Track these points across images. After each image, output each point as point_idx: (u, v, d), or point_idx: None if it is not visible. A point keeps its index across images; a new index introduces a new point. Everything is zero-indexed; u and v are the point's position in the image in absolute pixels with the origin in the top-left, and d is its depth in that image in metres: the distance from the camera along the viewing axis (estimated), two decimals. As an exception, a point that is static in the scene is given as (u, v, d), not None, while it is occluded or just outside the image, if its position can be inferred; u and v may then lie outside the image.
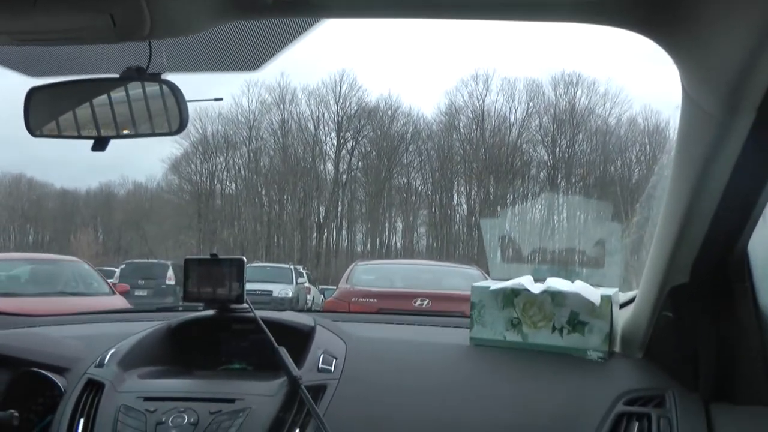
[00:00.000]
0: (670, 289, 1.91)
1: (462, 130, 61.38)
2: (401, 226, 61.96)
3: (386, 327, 2.62)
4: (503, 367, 2.18)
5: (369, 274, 11.33)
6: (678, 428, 1.84)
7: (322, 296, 26.83)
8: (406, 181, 61.96)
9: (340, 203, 61.15)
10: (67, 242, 53.10)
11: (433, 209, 61.33)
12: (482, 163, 59.83)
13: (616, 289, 2.27)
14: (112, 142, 1.83)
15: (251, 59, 1.94)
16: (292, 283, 24.84)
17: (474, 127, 60.82)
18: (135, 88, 1.78)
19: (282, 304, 20.82)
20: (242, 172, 59.40)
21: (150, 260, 28.71)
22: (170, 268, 24.66)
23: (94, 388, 2.16)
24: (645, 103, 60.63)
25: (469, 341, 2.29)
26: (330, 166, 60.78)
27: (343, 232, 61.55)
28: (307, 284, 27.91)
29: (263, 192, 58.32)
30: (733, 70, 1.32)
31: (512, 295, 2.24)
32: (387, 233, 61.88)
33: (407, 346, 2.32)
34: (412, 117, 60.66)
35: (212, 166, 56.97)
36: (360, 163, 61.76)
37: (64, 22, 1.36)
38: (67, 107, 1.83)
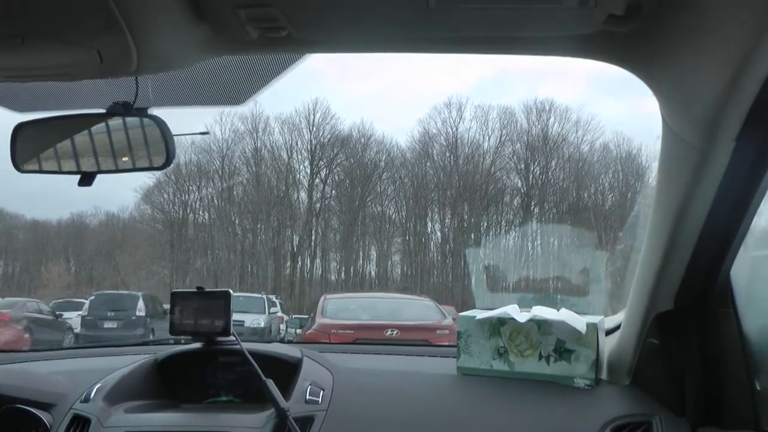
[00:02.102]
0: (655, 316, 1.94)
1: (436, 157, 61.67)
2: (375, 255, 61.90)
3: (373, 357, 2.62)
4: (491, 397, 2.19)
5: (341, 307, 11.90)
6: None
7: (297, 328, 27.00)
8: (380, 209, 62.04)
9: (313, 232, 61.01)
10: (38, 273, 52.51)
11: (408, 237, 61.33)
12: (456, 190, 60.04)
13: (602, 317, 2.29)
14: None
15: (236, 94, 1.96)
16: (265, 312, 24.64)
17: (448, 154, 61.13)
18: (122, 124, 1.78)
19: (254, 334, 20.78)
20: (215, 201, 59.17)
21: (120, 291, 28.17)
22: (140, 299, 24.21)
23: (80, 423, 2.14)
24: (617, 130, 61.15)
25: (457, 371, 2.30)
26: (303, 195, 60.73)
27: (317, 260, 61.38)
28: (280, 313, 27.77)
29: (236, 221, 58.08)
30: (711, 101, 1.35)
31: (498, 324, 2.26)
32: (361, 261, 61.82)
33: (394, 376, 2.32)
34: (386, 145, 60.88)
35: (185, 196, 56.65)
36: (334, 192, 61.75)
37: (51, 59, 1.38)
38: (54, 142, 1.83)
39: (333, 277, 61.12)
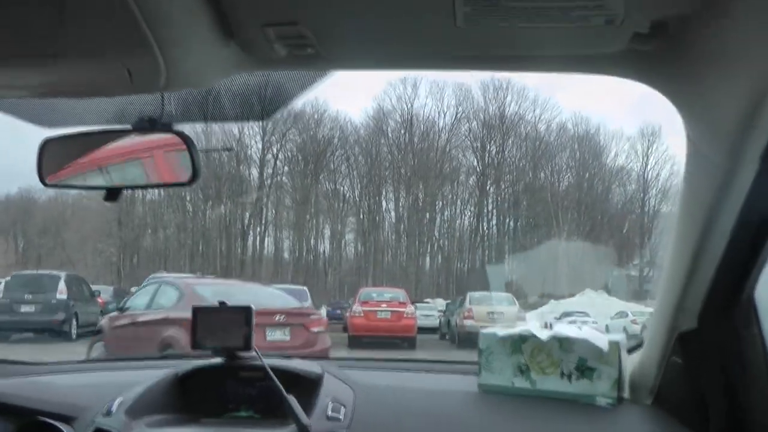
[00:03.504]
0: (679, 335, 1.96)
1: (390, 134, 61.89)
2: (329, 233, 62.00)
3: (394, 374, 2.61)
4: (512, 414, 2.20)
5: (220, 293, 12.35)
6: None
7: None
8: (333, 186, 62.06)
9: (265, 209, 60.84)
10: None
11: (361, 216, 61.51)
12: (411, 168, 60.30)
13: (624, 335, 2.31)
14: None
15: (261, 109, 1.95)
16: None
17: (402, 131, 61.35)
18: (148, 139, 1.77)
19: None
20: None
21: (39, 272, 25.07)
22: (61, 280, 21.92)
23: None
24: (575, 110, 61.72)
25: (478, 388, 2.30)
26: (255, 172, 60.44)
27: (269, 239, 61.26)
28: None
29: (187, 198, 57.62)
30: (736, 120, 1.37)
31: (520, 341, 2.27)
32: (314, 240, 61.81)
33: (415, 393, 2.33)
34: (339, 121, 60.88)
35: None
36: (286, 168, 61.62)
37: (82, 77, 1.38)
38: (80, 157, 1.83)
39: (286, 256, 61.08)
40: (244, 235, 59.44)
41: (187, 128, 1.77)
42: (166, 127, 1.71)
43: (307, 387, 2.26)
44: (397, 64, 1.68)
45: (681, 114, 1.58)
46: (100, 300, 24.50)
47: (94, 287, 25.56)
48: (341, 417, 2.14)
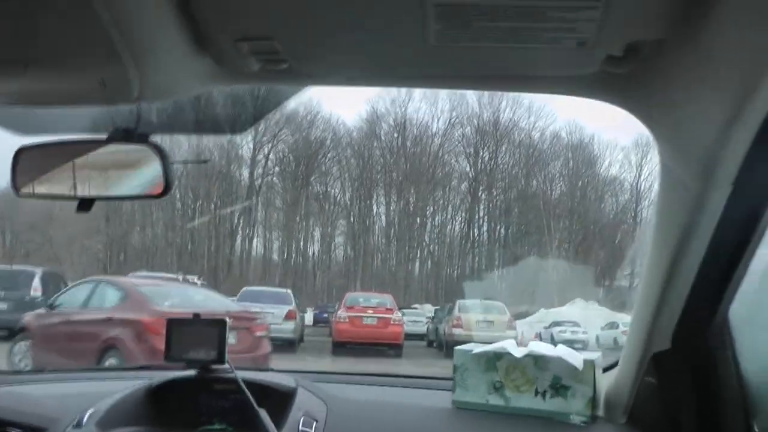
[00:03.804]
0: (653, 355, 1.97)
1: (383, 138, 61.85)
2: (319, 236, 61.94)
3: (367, 389, 2.62)
4: (486, 431, 2.22)
5: (166, 294, 12.36)
6: None
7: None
8: (324, 189, 62.01)
9: (254, 210, 60.76)
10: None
11: (352, 219, 61.47)
12: (403, 172, 60.29)
13: (599, 353, 2.32)
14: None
15: (237, 122, 1.97)
16: None
17: (395, 135, 61.37)
18: (122, 150, 1.77)
19: None
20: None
21: (13, 267, 23.71)
22: (37, 276, 20.67)
23: None
24: (569, 118, 61.85)
25: (452, 404, 2.31)
26: (246, 172, 60.35)
27: (258, 240, 61.16)
28: None
29: (177, 196, 57.46)
30: (708, 144, 1.39)
31: (495, 358, 2.28)
32: (302, 243, 61.74)
33: (389, 408, 2.34)
34: (332, 123, 60.77)
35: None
36: (277, 168, 61.53)
37: (54, 86, 1.39)
38: (54, 167, 1.82)
39: (275, 257, 61.00)
40: (233, 235, 59.33)
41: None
42: (142, 138, 1.71)
43: (280, 400, 2.27)
44: (371, 80, 1.70)
45: (654, 136, 1.60)
46: None
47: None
48: (312, 431, 2.15)
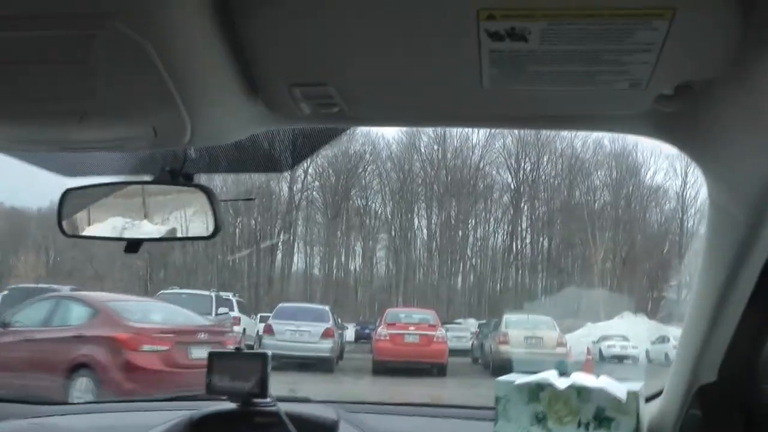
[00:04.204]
0: (698, 388, 1.97)
1: (423, 150, 61.69)
2: (360, 251, 61.93)
3: (408, 419, 2.65)
4: None
5: (146, 309, 12.63)
6: None
7: (258, 328, 25.31)
8: (364, 202, 62.03)
9: (295, 225, 60.93)
10: (12, 263, 52.07)
11: (393, 233, 61.39)
12: (444, 185, 60.09)
13: (642, 383, 2.32)
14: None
15: (283, 162, 2.00)
16: (211, 313, 21.51)
17: (436, 147, 61.17)
18: (168, 191, 1.81)
19: None
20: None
21: (38, 285, 24.20)
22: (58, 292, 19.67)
23: None
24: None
25: None
26: (285, 187, 60.61)
27: (299, 255, 61.32)
28: (235, 314, 25.67)
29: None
30: (758, 180, 1.40)
31: (537, 389, 2.29)
32: (343, 258, 61.77)
33: None
34: (372, 136, 60.78)
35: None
36: (316, 183, 61.70)
37: (107, 134, 1.42)
38: (101, 208, 1.87)
39: (316, 272, 61.07)
40: (273, 251, 59.52)
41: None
42: (188, 179, 1.75)
43: None
44: (421, 121, 1.74)
45: (703, 172, 1.62)
46: None
47: None
48: None
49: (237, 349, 2.44)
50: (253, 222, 59.60)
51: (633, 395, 2.21)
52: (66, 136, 1.45)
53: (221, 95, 1.34)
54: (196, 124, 1.34)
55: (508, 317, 24.79)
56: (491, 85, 1.34)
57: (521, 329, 22.97)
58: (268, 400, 2.36)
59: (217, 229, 1.78)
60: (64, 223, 1.88)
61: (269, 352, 2.40)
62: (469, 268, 61.08)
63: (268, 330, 21.38)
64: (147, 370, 10.26)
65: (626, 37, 1.16)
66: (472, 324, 36.04)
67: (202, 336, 11.57)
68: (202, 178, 1.81)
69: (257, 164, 2.03)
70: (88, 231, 1.92)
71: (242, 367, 2.39)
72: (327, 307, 23.84)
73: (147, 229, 1.86)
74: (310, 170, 60.78)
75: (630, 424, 2.19)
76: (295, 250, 61.08)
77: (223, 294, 26.88)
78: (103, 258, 50.02)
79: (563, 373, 2.34)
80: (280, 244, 59.82)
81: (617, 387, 2.23)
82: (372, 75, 1.35)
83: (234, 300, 27.14)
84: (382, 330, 21.75)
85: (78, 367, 10.32)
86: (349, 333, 34.57)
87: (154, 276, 52.68)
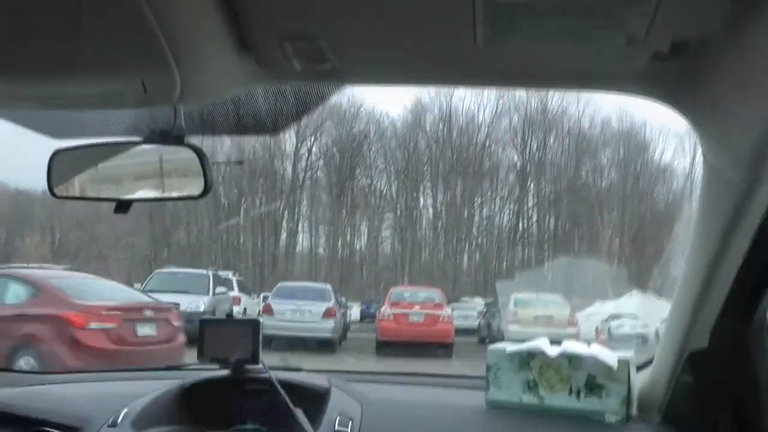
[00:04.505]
0: (689, 354, 1.99)
1: (428, 129, 61.50)
2: (366, 230, 61.90)
3: (401, 388, 2.68)
4: (520, 430, 2.26)
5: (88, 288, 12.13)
6: None
7: (260, 308, 24.26)
8: (369, 182, 61.95)
9: (299, 204, 60.90)
10: (17, 245, 52.17)
11: (398, 212, 61.35)
12: (449, 164, 59.94)
13: (632, 352, 2.35)
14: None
15: (273, 123, 2.00)
16: (208, 293, 20.98)
17: (441, 126, 60.98)
18: (159, 151, 1.82)
19: (191, 320, 16.68)
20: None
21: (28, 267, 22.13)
22: None
23: None
24: (620, 104, 60.83)
25: (486, 403, 2.36)
26: (289, 166, 60.54)
27: (304, 235, 61.32)
28: (234, 293, 24.93)
29: (222, 192, 57.82)
30: (753, 141, 1.41)
31: (528, 357, 2.32)
32: (349, 237, 61.79)
33: (423, 408, 2.38)
34: (376, 115, 60.64)
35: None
36: (321, 162, 61.61)
37: (96, 90, 1.42)
38: (91, 169, 1.88)
39: (321, 251, 61.08)
40: (277, 231, 59.52)
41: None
42: (178, 140, 1.75)
43: (314, 401, 2.32)
44: (415, 80, 1.74)
45: (698, 133, 1.63)
46: None
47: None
48: (348, 431, 2.20)
49: (228, 315, 2.46)
50: (258, 202, 59.63)
51: (624, 363, 2.23)
52: (54, 91, 1.44)
53: (212, 51, 1.33)
54: (186, 80, 1.33)
55: (517, 296, 23.68)
56: (485, 41, 1.35)
57: (531, 308, 22.11)
58: (260, 367, 2.39)
59: (207, 189, 1.79)
60: (55, 185, 1.89)
61: (261, 319, 2.42)
62: (474, 246, 61.10)
63: (267, 310, 20.65)
64: (95, 349, 10.10)
65: None
66: (478, 303, 35.85)
67: (148, 313, 11.51)
68: (193, 141, 1.82)
69: (249, 125, 2.03)
70: (78, 192, 1.93)
71: (234, 335, 2.41)
72: (329, 286, 23.11)
73: (137, 189, 1.87)
74: (314, 149, 60.80)
75: (621, 392, 2.22)
76: (300, 230, 61.12)
77: (222, 273, 26.44)
78: (107, 239, 50.18)
79: (555, 341, 2.37)
80: (284, 223, 59.84)
81: (608, 355, 2.26)
82: (364, 30, 1.35)
83: (234, 279, 26.74)
84: (385, 309, 21.19)
85: (25, 345, 10.13)
86: (354, 312, 34.58)
87: (158, 255, 52.75)
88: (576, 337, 20.72)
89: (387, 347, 19.48)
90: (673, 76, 1.46)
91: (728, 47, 1.29)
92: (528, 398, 2.31)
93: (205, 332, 2.44)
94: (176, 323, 12.14)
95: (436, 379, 2.89)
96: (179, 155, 1.79)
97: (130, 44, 1.24)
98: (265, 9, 1.27)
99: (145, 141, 1.77)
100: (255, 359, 2.38)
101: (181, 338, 12.05)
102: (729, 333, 1.89)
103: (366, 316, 34.78)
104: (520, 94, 58.37)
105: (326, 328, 19.56)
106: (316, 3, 1.26)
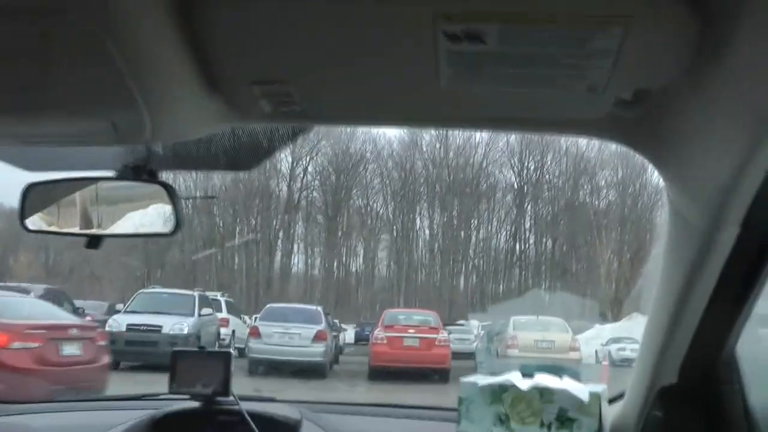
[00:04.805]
0: (659, 389, 2.01)
1: (425, 148, 61.59)
2: (362, 251, 61.88)
3: (372, 420, 2.68)
4: None
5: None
6: None
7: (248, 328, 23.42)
8: (365, 202, 62.00)
9: (294, 225, 60.92)
10: (8, 265, 52.11)
11: (394, 233, 61.35)
12: (446, 185, 59.99)
13: (605, 386, 2.36)
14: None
15: (245, 160, 2.03)
16: (193, 315, 20.61)
17: (438, 146, 61.07)
18: (132, 187, 1.84)
19: (174, 343, 16.60)
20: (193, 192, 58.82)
21: (7, 286, 21.14)
22: (31, 296, 17.67)
23: None
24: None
25: None
26: (284, 186, 60.59)
27: (299, 255, 61.28)
28: (223, 315, 24.43)
29: (217, 212, 57.78)
30: (716, 185, 1.43)
31: (500, 390, 2.32)
32: (344, 258, 61.73)
33: None
34: (372, 135, 60.69)
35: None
36: (316, 182, 61.70)
37: (65, 129, 1.44)
38: (63, 203, 1.90)
39: (316, 273, 61.01)
40: (272, 252, 59.45)
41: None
42: (152, 176, 1.78)
43: None
44: (383, 121, 1.77)
45: (663, 177, 1.66)
46: (88, 317, 21.37)
47: (85, 302, 24.14)
48: None
49: (200, 348, 2.47)
50: (253, 222, 59.62)
51: (595, 396, 2.24)
52: (25, 130, 1.46)
53: (181, 92, 1.35)
54: (155, 120, 1.35)
55: (516, 318, 23.47)
56: (448, 85, 1.37)
57: (531, 331, 21.86)
58: (231, 398, 2.39)
59: (177, 226, 1.81)
60: (27, 219, 1.90)
61: (232, 351, 2.44)
62: (471, 268, 61.07)
63: (255, 333, 20.26)
64: (18, 369, 9.83)
65: (583, 42, 1.18)
66: (474, 326, 35.55)
67: (73, 332, 11.40)
68: (166, 175, 1.84)
69: (221, 162, 2.06)
70: (51, 227, 1.94)
71: (205, 366, 2.42)
72: (319, 308, 22.56)
73: (109, 224, 1.88)
74: (309, 169, 60.90)
75: (592, 425, 2.22)
76: (295, 250, 61.09)
77: (211, 294, 26.17)
78: (100, 259, 50.00)
79: (527, 374, 2.37)
80: (280, 243, 59.80)
81: (580, 388, 2.27)
82: (331, 74, 1.37)
83: (222, 300, 26.35)
84: (379, 333, 20.72)
85: None
86: (349, 334, 34.45)
87: (151, 275, 52.66)
88: (578, 362, 20.27)
89: (380, 372, 18.98)
90: (635, 122, 1.47)
91: (689, 94, 1.31)
92: (499, 431, 2.31)
93: (177, 363, 2.45)
94: (101, 343, 12.07)
95: (409, 411, 2.89)
96: (151, 191, 1.81)
97: (99, 85, 1.26)
98: (234, 52, 1.28)
99: (119, 177, 1.80)
100: (226, 391, 2.39)
101: (106, 359, 11.97)
102: (698, 369, 1.90)
103: (360, 339, 34.53)
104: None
105: (316, 352, 19.21)
106: (284, 48, 1.27)
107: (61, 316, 12.65)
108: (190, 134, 1.62)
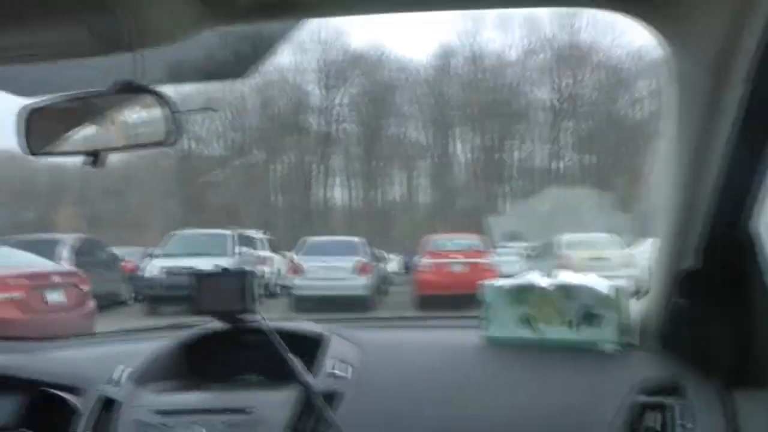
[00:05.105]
0: (681, 276, 2.00)
1: (459, 71, 60.87)
2: (401, 180, 61.77)
3: (398, 332, 2.71)
4: (518, 364, 2.28)
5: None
6: (697, 417, 1.93)
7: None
8: (403, 129, 61.64)
9: (331, 158, 60.90)
10: (52, 218, 52.86)
11: (434, 159, 61.05)
12: (480, 107, 59.37)
13: (629, 281, 2.35)
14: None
15: (238, 66, 2.01)
16: (228, 254, 20.00)
17: (470, 68, 60.30)
18: (125, 102, 1.84)
19: None
20: (225, 132, 58.97)
21: (39, 236, 20.36)
22: (64, 245, 18.78)
23: (109, 405, 2.28)
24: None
25: (483, 341, 2.38)
26: (318, 120, 60.42)
27: (336, 189, 61.37)
28: (263, 254, 24.18)
29: (255, 151, 57.84)
30: (720, 43, 1.41)
31: (523, 292, 2.34)
32: (383, 187, 61.72)
33: (421, 349, 2.41)
34: (403, 63, 60.06)
35: (194, 127, 56.23)
36: (351, 113, 61.41)
37: (43, 39, 1.44)
38: (61, 124, 1.91)
39: (355, 205, 61.10)
40: (308, 186, 59.58)
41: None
42: (143, 89, 1.76)
43: (312, 347, 2.36)
44: (368, 8, 1.73)
45: (663, 42, 1.62)
46: (127, 264, 22.22)
47: (124, 249, 23.86)
48: (347, 375, 2.24)
49: (224, 269, 2.50)
50: (294, 158, 59.69)
51: (619, 291, 2.25)
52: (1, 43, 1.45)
53: None
54: (131, 23, 1.35)
55: (566, 237, 22.11)
56: None
57: (583, 249, 20.49)
58: (257, 316, 2.42)
59: (173, 134, 1.80)
60: (30, 143, 1.91)
61: (254, 269, 2.45)
62: (511, 190, 60.70)
63: (296, 269, 20.00)
64: (3, 320, 9.86)
65: None
66: (520, 246, 35.19)
67: (55, 279, 11.46)
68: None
69: (213, 71, 2.04)
70: (53, 148, 1.95)
71: (228, 286, 2.44)
72: (359, 239, 21.99)
73: (105, 140, 1.88)
74: (343, 100, 60.57)
75: (617, 320, 2.23)
76: (335, 184, 61.15)
77: (250, 232, 25.67)
78: (139, 206, 50.58)
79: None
80: (320, 176, 59.88)
81: (603, 284, 2.27)
82: None
83: (262, 238, 25.96)
84: (425, 260, 20.10)
85: None
86: (394, 264, 34.45)
87: (192, 219, 53.17)
88: (637, 278, 19.52)
89: (428, 300, 18.29)
90: None
91: None
92: (524, 333, 2.32)
93: (201, 285, 2.47)
94: (85, 288, 12.09)
95: (433, 321, 2.92)
96: (145, 102, 1.80)
97: None
98: None
99: (111, 91, 1.79)
100: (251, 309, 2.41)
101: (91, 304, 12.04)
102: (718, 250, 1.89)
103: (410, 268, 34.40)
104: (549, 30, 57.52)
105: (359, 285, 18.80)
106: None
107: (41, 264, 12.53)
108: (170, 38, 1.60)
